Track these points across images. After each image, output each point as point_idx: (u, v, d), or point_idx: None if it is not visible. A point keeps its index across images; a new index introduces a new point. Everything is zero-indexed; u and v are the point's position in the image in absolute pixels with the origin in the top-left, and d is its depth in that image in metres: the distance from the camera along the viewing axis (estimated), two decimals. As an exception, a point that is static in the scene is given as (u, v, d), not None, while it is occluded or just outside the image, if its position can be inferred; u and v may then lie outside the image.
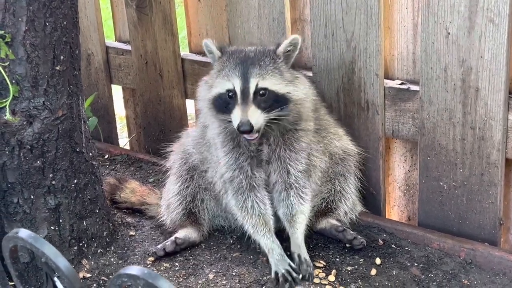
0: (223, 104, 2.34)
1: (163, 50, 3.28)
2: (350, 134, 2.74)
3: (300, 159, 2.47)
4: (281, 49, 2.39)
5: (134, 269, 1.37)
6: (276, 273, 2.34)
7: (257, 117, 2.26)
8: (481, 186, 2.50)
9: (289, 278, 2.31)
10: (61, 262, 1.52)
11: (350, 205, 2.67)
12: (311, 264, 2.38)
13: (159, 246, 2.53)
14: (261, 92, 2.30)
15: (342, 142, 2.67)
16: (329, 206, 2.64)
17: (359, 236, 2.52)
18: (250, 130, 2.23)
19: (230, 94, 2.31)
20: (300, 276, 2.33)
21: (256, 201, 2.47)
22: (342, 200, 2.65)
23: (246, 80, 2.29)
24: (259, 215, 2.47)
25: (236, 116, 2.26)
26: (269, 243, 2.42)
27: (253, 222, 2.47)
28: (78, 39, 2.35)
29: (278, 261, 2.37)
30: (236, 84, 2.30)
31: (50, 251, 1.53)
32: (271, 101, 2.31)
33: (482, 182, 2.49)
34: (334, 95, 2.79)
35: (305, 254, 2.41)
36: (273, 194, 2.51)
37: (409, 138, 2.70)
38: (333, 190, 2.65)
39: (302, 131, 2.46)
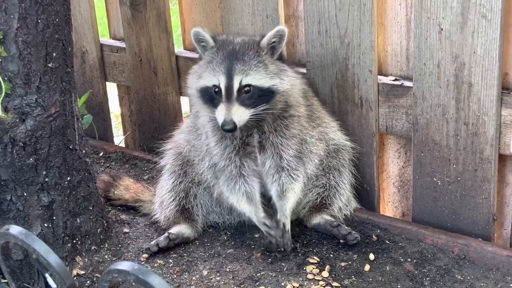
0: (210, 97, 2.38)
1: (157, 48, 3.28)
2: (344, 130, 2.75)
3: (291, 144, 2.50)
4: (264, 41, 2.39)
5: (124, 265, 1.37)
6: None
7: (240, 115, 2.30)
8: (474, 182, 2.50)
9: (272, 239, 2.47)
10: (52, 258, 1.52)
11: (344, 200, 2.67)
12: (290, 238, 2.47)
13: (152, 242, 2.54)
14: (245, 89, 2.33)
15: (337, 133, 2.68)
16: (324, 201, 2.64)
17: (353, 232, 2.52)
18: (234, 129, 2.29)
19: (216, 90, 2.35)
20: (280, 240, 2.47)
21: (245, 185, 2.53)
22: (337, 196, 2.66)
23: (230, 78, 2.32)
24: (244, 193, 2.53)
25: (220, 114, 2.31)
26: (249, 208, 2.52)
27: (238, 197, 2.53)
28: (71, 36, 2.34)
29: (258, 222, 2.51)
30: (221, 81, 2.33)
31: (41, 248, 1.53)
32: (256, 96, 2.34)
33: (476, 177, 2.50)
34: (328, 91, 2.79)
35: (288, 226, 2.48)
36: (267, 179, 2.55)
37: (403, 134, 2.70)
38: (327, 185, 2.65)
39: (293, 117, 2.48)
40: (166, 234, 2.56)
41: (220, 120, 2.30)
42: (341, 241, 2.54)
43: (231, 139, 2.47)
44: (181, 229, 2.60)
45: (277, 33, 2.38)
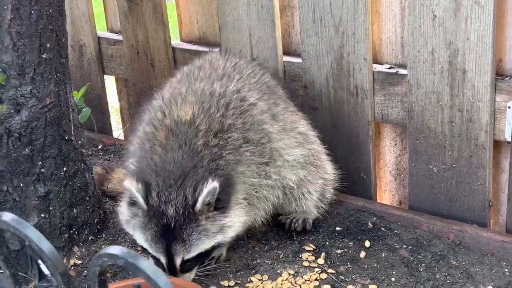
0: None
1: (154, 40, 3.29)
2: (340, 120, 2.75)
3: None
4: (199, 206, 2.11)
5: (114, 249, 1.37)
6: None
7: (186, 278, 2.18)
8: (470, 169, 2.51)
9: None
10: (45, 245, 1.53)
11: (317, 197, 2.59)
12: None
13: None
14: (188, 261, 2.17)
15: (290, 163, 2.47)
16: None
17: (294, 219, 2.52)
18: None
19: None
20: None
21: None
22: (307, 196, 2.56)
23: (171, 259, 2.13)
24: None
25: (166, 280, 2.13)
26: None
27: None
28: (65, 27, 2.35)
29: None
30: (161, 259, 2.15)
31: (33, 234, 1.53)
32: (200, 258, 2.19)
33: (471, 164, 2.50)
34: (323, 80, 2.80)
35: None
36: None
37: (398, 122, 2.71)
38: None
39: None
40: None
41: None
42: (337, 228, 2.55)
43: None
44: None
45: (209, 193, 2.11)
